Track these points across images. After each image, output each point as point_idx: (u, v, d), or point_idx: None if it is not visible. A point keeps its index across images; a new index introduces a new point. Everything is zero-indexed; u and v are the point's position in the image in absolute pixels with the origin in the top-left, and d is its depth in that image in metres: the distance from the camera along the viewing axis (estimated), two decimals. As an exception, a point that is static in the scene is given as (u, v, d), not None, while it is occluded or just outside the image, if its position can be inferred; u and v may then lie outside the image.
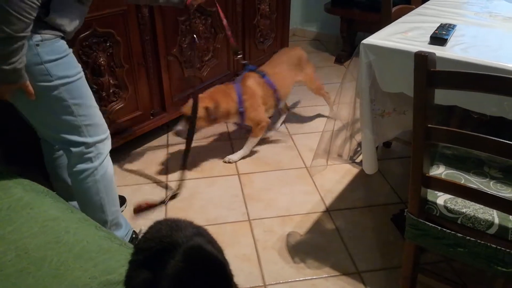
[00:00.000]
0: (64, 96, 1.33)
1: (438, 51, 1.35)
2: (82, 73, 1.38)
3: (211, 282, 0.72)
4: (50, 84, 1.30)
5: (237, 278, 0.85)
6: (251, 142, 2.39)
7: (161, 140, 2.55)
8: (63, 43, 1.32)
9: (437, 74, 1.07)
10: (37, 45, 1.24)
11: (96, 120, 1.45)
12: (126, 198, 2.04)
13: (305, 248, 1.81)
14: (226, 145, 2.55)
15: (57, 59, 1.28)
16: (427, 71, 1.06)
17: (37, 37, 1.23)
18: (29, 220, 1.22)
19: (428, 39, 1.53)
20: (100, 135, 1.46)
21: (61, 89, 1.32)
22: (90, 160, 1.46)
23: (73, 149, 1.43)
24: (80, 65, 1.38)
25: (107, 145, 1.52)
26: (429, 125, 1.12)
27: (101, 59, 2.01)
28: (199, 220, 1.92)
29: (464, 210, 1.21)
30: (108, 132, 1.51)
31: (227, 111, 2.23)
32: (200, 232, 0.87)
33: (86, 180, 1.48)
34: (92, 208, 1.53)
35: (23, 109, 1.40)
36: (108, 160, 1.53)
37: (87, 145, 1.43)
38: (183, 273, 0.72)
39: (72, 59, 1.35)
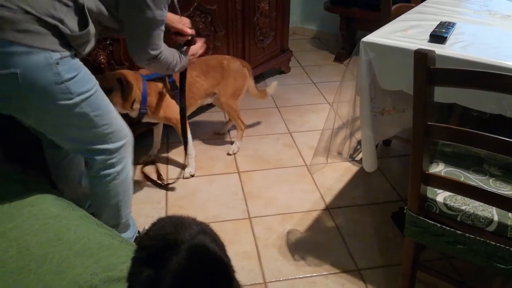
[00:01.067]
0: (86, 110, 1.32)
1: (438, 49, 1.35)
2: (97, 82, 1.37)
3: (213, 280, 0.72)
4: (71, 102, 1.27)
5: (238, 275, 0.86)
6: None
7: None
8: (77, 59, 1.31)
9: (436, 72, 1.08)
10: (57, 64, 1.21)
11: (117, 126, 1.44)
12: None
13: (305, 246, 1.81)
14: (225, 143, 2.55)
15: (75, 76, 1.26)
16: (427, 68, 1.07)
17: (57, 55, 1.21)
18: (30, 218, 1.23)
19: (427, 37, 1.53)
20: (122, 140, 1.45)
21: (82, 104, 1.30)
22: (113, 165, 1.45)
23: (97, 157, 1.42)
24: (93, 76, 1.36)
25: (129, 149, 1.50)
26: (428, 123, 1.12)
27: (101, 57, 2.02)
28: (199, 218, 1.93)
29: (463, 208, 1.22)
30: (129, 136, 1.49)
31: (134, 96, 1.98)
32: (204, 229, 0.88)
33: (108, 184, 1.47)
34: (108, 210, 1.53)
35: (45, 129, 1.38)
36: (130, 163, 1.52)
37: (110, 151, 1.43)
38: (186, 271, 0.72)
39: (86, 72, 1.33)
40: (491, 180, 1.30)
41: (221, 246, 0.87)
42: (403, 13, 1.89)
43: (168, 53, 1.56)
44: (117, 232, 1.35)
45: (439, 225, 1.22)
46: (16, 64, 1.16)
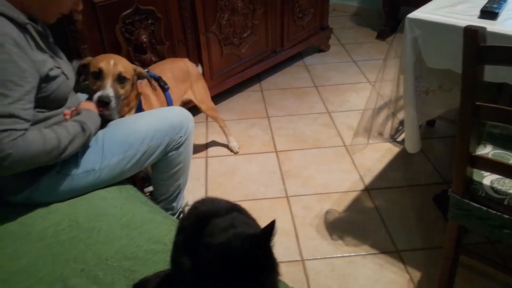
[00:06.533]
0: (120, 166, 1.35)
1: (489, 25, 1.28)
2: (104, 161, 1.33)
3: (253, 249, 0.73)
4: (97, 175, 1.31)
5: (275, 252, 0.87)
6: None
7: (201, 117, 2.59)
8: None
9: (487, 50, 1.02)
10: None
11: (168, 122, 1.44)
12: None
13: (343, 226, 1.81)
14: (264, 123, 2.56)
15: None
16: (477, 46, 1.02)
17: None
18: (80, 200, 1.30)
19: (477, 13, 1.46)
20: (181, 130, 1.46)
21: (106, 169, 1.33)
22: (179, 145, 1.49)
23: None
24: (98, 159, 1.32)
25: (190, 126, 1.51)
26: (477, 103, 1.08)
27: (143, 37, 2.05)
28: (237, 195, 1.99)
29: (511, 191, 1.17)
30: (184, 115, 1.50)
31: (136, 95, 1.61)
32: (238, 207, 0.89)
33: (171, 153, 1.49)
34: (170, 175, 1.55)
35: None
36: (192, 133, 1.54)
37: (176, 140, 1.47)
38: (224, 242, 0.74)
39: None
40: (542, 164, 1.24)
41: (256, 223, 0.88)
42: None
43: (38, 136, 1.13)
44: (160, 208, 1.40)
45: (484, 208, 1.19)
46: None
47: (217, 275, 0.70)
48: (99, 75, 1.41)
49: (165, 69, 1.86)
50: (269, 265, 0.75)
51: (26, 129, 1.09)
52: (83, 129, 1.23)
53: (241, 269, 0.70)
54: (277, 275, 0.78)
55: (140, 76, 1.54)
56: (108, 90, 1.39)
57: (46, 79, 1.17)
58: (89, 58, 1.47)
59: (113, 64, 1.42)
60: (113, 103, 1.38)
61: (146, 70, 1.60)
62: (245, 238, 0.74)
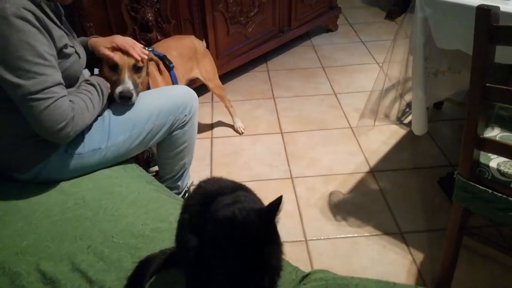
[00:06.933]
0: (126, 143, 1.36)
1: (502, 5, 1.25)
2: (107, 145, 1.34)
3: (257, 221, 0.73)
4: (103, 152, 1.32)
5: (279, 232, 0.87)
6: None
7: (206, 97, 2.58)
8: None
9: (500, 30, 1.00)
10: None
11: (173, 100, 1.43)
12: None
13: (347, 207, 1.82)
14: (270, 104, 2.55)
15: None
16: (490, 26, 1.00)
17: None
18: (85, 179, 1.31)
19: (491, -8, 1.41)
20: (185, 105, 1.46)
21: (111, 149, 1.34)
22: (184, 124, 1.49)
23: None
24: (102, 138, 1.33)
25: (195, 105, 1.51)
26: (487, 84, 1.06)
27: (149, 15, 2.03)
28: (242, 176, 1.99)
29: (518, 174, 1.16)
30: (189, 93, 1.49)
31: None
32: (243, 187, 0.89)
33: (176, 132, 1.50)
34: (175, 153, 1.55)
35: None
36: (196, 112, 1.53)
37: (181, 119, 1.47)
38: (229, 215, 0.74)
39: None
40: (551, 147, 1.23)
41: (261, 202, 0.89)
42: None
43: (77, 102, 1.20)
44: (165, 187, 1.41)
45: (490, 191, 1.18)
46: None
47: (222, 248, 0.71)
48: (115, 67, 1.40)
49: (170, 47, 1.82)
50: (275, 240, 0.76)
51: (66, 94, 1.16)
52: (98, 91, 1.29)
53: (246, 242, 0.71)
54: (282, 252, 0.79)
55: (151, 60, 1.53)
56: (128, 83, 1.37)
57: (61, 55, 1.17)
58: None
59: (127, 54, 1.40)
60: (134, 97, 1.37)
61: (150, 49, 1.58)
62: (251, 211, 0.74)
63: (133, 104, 1.39)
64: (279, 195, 0.75)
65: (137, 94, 1.41)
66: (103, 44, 1.41)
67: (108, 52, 1.38)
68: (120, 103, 1.37)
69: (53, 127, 1.11)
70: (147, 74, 1.54)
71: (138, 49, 1.42)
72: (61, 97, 1.12)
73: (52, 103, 1.10)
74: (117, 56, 1.39)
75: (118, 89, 1.36)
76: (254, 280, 0.70)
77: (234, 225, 0.72)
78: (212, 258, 0.74)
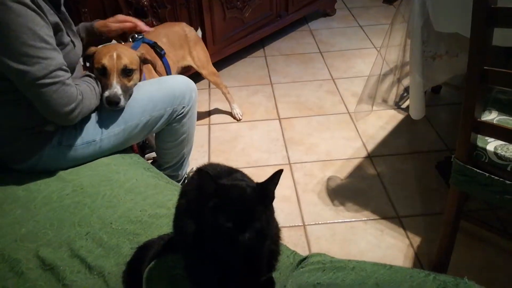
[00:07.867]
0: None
1: (501, -14, 1.24)
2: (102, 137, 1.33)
3: (257, 198, 0.75)
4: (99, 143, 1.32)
5: (277, 217, 0.88)
6: None
7: (203, 83, 2.57)
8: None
9: (498, 11, 0.99)
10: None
11: (170, 91, 1.41)
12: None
13: (345, 192, 1.82)
14: (267, 89, 2.54)
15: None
16: (488, 7, 0.99)
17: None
18: (83, 167, 1.31)
19: (490, -27, 1.40)
20: (183, 96, 1.44)
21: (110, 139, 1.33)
22: (182, 116, 1.47)
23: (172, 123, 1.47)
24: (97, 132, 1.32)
25: (193, 96, 1.48)
26: (485, 67, 1.05)
27: (144, 0, 2.00)
28: (240, 162, 2.00)
29: (515, 158, 1.16)
30: (187, 84, 1.46)
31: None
32: (240, 172, 0.90)
33: (174, 124, 1.49)
34: (174, 144, 1.55)
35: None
36: (195, 102, 1.51)
37: (179, 111, 1.45)
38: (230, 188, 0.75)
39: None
40: (548, 130, 1.23)
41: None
42: None
43: (84, 88, 1.23)
44: (163, 174, 1.41)
45: (487, 174, 1.18)
46: None
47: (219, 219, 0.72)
48: (103, 71, 1.34)
49: (160, 34, 1.77)
50: (270, 208, 0.78)
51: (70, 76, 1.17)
52: (97, 83, 1.32)
53: (241, 200, 0.73)
54: (279, 236, 0.79)
55: (145, 62, 1.46)
56: (115, 88, 1.31)
57: (57, 42, 1.15)
58: (92, 49, 1.39)
59: (117, 57, 1.34)
60: (122, 102, 1.32)
61: (140, 37, 1.56)
62: (250, 185, 0.77)
63: (123, 107, 1.34)
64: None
65: (128, 98, 1.35)
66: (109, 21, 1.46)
67: (117, 24, 1.44)
68: (107, 107, 1.31)
69: (63, 109, 1.13)
70: (141, 68, 1.47)
71: (143, 24, 1.45)
72: (67, 79, 1.13)
73: (60, 87, 1.10)
74: (105, 59, 1.33)
75: (105, 93, 1.31)
76: (245, 240, 0.71)
77: (233, 193, 0.75)
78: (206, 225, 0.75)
